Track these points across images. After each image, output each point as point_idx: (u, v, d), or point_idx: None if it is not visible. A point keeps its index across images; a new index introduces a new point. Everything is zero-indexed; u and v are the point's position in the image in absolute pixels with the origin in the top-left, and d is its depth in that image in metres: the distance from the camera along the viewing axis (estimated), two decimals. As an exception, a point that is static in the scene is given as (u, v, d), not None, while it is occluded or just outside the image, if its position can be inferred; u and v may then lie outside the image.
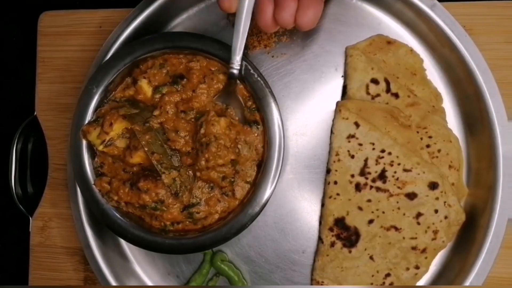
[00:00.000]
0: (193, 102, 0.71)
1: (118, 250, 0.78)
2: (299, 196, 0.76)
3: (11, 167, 0.81)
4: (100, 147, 0.69)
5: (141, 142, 0.68)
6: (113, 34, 0.76)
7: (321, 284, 0.73)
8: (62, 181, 0.81)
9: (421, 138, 0.73)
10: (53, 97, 0.82)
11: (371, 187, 0.71)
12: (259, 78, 0.70)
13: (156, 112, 0.69)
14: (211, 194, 0.69)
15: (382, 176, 0.71)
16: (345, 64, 0.76)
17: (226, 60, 0.68)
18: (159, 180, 0.67)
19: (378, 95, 0.74)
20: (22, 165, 0.83)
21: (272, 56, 0.77)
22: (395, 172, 0.71)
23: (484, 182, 0.72)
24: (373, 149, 0.71)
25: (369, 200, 0.71)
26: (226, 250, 0.76)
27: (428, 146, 0.73)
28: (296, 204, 0.76)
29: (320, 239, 0.74)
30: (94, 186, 0.70)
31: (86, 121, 0.70)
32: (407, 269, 0.71)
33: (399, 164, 0.71)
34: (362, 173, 0.72)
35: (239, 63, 0.67)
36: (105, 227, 0.71)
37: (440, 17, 0.72)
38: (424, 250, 0.71)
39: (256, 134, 0.70)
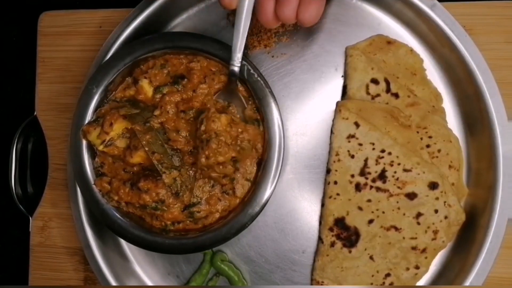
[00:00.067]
0: (193, 102, 0.71)
1: (118, 250, 0.78)
2: (299, 196, 0.76)
3: (11, 167, 0.81)
4: (100, 147, 0.69)
5: (141, 142, 0.68)
6: (113, 34, 0.76)
7: (321, 284, 0.73)
8: (62, 181, 0.81)
9: (421, 138, 0.73)
10: (53, 97, 0.83)
11: (371, 187, 0.71)
12: (259, 78, 0.70)
13: (157, 112, 0.69)
14: (212, 193, 0.69)
15: (382, 176, 0.71)
16: (345, 64, 0.76)
17: (227, 60, 0.68)
18: (160, 180, 0.67)
19: (378, 95, 0.74)
20: (22, 165, 0.83)
21: (272, 56, 0.77)
22: (395, 172, 0.71)
23: (484, 182, 0.72)
24: (373, 149, 0.71)
25: (369, 200, 0.71)
26: (226, 250, 0.76)
27: (428, 146, 0.73)
28: (296, 204, 0.76)
29: (320, 239, 0.74)
30: (94, 186, 0.70)
31: (86, 121, 0.70)
32: (407, 269, 0.71)
33: (399, 164, 0.71)
34: (362, 173, 0.72)
35: (240, 60, 0.67)
36: (105, 227, 0.71)
37: (440, 17, 0.72)
38: (424, 250, 0.71)
39: (256, 132, 0.70)
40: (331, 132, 0.74)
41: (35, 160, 0.84)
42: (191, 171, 0.69)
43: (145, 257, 0.78)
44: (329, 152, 0.74)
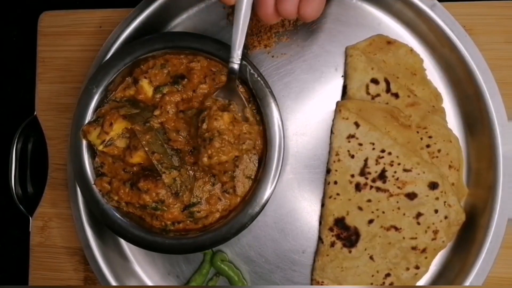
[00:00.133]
0: (193, 102, 0.71)
1: (118, 250, 0.78)
2: (299, 196, 0.76)
3: (11, 167, 0.81)
4: (100, 147, 0.69)
5: (141, 142, 0.68)
6: (113, 34, 0.76)
7: (321, 284, 0.73)
8: (62, 181, 0.81)
9: (421, 138, 0.73)
10: (53, 97, 0.83)
11: (371, 187, 0.71)
12: (259, 78, 0.70)
13: (157, 112, 0.69)
14: (212, 193, 0.69)
15: (382, 176, 0.71)
16: (345, 64, 0.76)
17: (227, 60, 0.68)
18: (159, 180, 0.67)
19: (378, 95, 0.74)
20: (22, 165, 0.83)
21: (272, 56, 0.77)
22: (395, 172, 0.71)
23: (484, 182, 0.72)
24: (373, 149, 0.71)
25: (369, 200, 0.71)
26: (226, 250, 0.76)
27: (428, 146, 0.73)
28: (296, 204, 0.76)
29: (320, 239, 0.74)
30: (94, 186, 0.70)
31: (86, 121, 0.70)
32: (407, 269, 0.71)
33: (399, 164, 0.71)
34: (362, 173, 0.72)
35: (239, 57, 0.66)
36: (105, 227, 0.71)
37: (440, 17, 0.72)
38: (424, 250, 0.71)
39: (256, 132, 0.70)
40: (331, 132, 0.74)
41: (35, 160, 0.84)
42: (191, 171, 0.69)
43: (145, 257, 0.78)
44: (329, 152, 0.74)
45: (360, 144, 0.72)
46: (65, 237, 0.81)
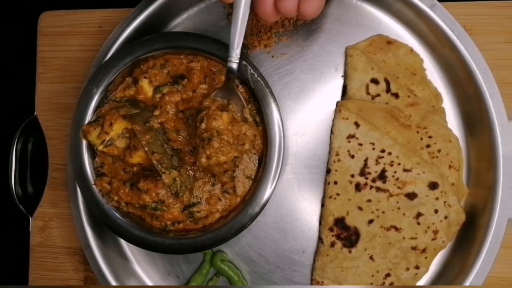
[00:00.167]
0: (193, 102, 0.71)
1: (118, 250, 0.78)
2: (299, 196, 0.76)
3: (11, 167, 0.81)
4: (100, 147, 0.69)
5: (141, 142, 0.68)
6: (113, 34, 0.76)
7: (321, 284, 0.73)
8: (62, 181, 0.81)
9: (421, 138, 0.73)
10: (53, 97, 0.83)
11: (371, 187, 0.71)
12: (259, 78, 0.70)
13: (157, 112, 0.69)
14: (212, 193, 0.69)
15: (382, 176, 0.71)
16: (345, 64, 0.76)
17: (226, 60, 0.68)
18: (159, 180, 0.67)
19: (378, 95, 0.74)
20: (22, 165, 0.83)
21: (272, 56, 0.77)
22: (395, 172, 0.71)
23: (484, 182, 0.72)
24: (373, 149, 0.71)
25: (369, 200, 0.71)
26: (226, 250, 0.76)
27: (428, 146, 0.73)
28: (296, 204, 0.76)
29: (320, 239, 0.74)
30: (94, 186, 0.70)
31: (86, 121, 0.70)
32: (407, 269, 0.71)
33: (399, 164, 0.71)
34: (362, 173, 0.72)
35: (238, 56, 0.65)
36: (105, 227, 0.71)
37: (440, 17, 0.72)
38: (424, 250, 0.71)
39: (256, 133, 0.70)
40: (331, 132, 0.74)
41: (35, 160, 0.84)
42: (190, 171, 0.69)
43: (145, 257, 0.78)
44: (329, 152, 0.74)
45: (360, 144, 0.72)
46: (65, 237, 0.81)
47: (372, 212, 0.71)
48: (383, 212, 0.71)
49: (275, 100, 0.70)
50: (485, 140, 0.72)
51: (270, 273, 0.76)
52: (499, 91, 0.71)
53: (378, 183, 0.71)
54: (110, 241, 0.77)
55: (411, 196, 0.70)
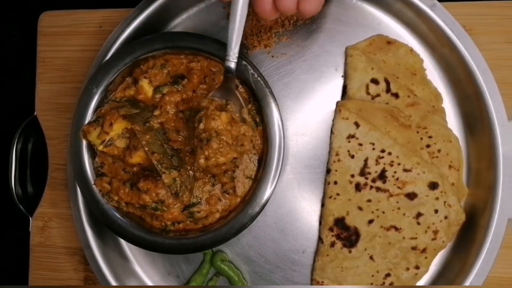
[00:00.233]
0: (193, 102, 0.71)
1: (118, 250, 0.78)
2: (299, 196, 0.76)
3: (11, 167, 0.81)
4: (100, 147, 0.69)
5: (141, 142, 0.68)
6: (113, 34, 0.76)
7: (321, 284, 0.73)
8: (62, 181, 0.81)
9: (421, 138, 0.73)
10: (53, 97, 0.82)
11: (371, 187, 0.71)
12: (259, 78, 0.70)
13: (157, 112, 0.69)
14: (212, 193, 0.69)
15: (382, 176, 0.71)
16: (345, 64, 0.76)
17: (224, 59, 0.67)
18: (159, 180, 0.67)
19: (378, 95, 0.74)
20: (22, 165, 0.83)
21: (272, 56, 0.77)
22: (395, 172, 0.71)
23: (484, 182, 0.72)
24: (373, 149, 0.71)
25: (369, 200, 0.71)
26: (226, 250, 0.76)
27: (428, 146, 0.73)
28: (296, 204, 0.76)
29: (320, 239, 0.74)
30: (94, 186, 0.70)
31: (86, 121, 0.70)
32: (407, 269, 0.71)
33: (399, 164, 0.71)
34: (362, 173, 0.72)
35: (236, 56, 0.64)
36: (105, 227, 0.71)
37: (440, 17, 0.72)
38: (424, 250, 0.71)
39: (255, 133, 0.70)
40: (331, 132, 0.74)
41: (35, 160, 0.84)
42: (190, 171, 0.69)
43: (145, 257, 0.78)
44: (329, 152, 0.74)
45: (360, 144, 0.72)
46: (65, 237, 0.81)
47: (372, 212, 0.71)
48: (383, 212, 0.71)
49: (275, 100, 0.70)
50: (485, 140, 0.72)
51: (270, 273, 0.76)
52: (499, 91, 0.71)
53: (378, 183, 0.71)
54: (110, 241, 0.77)
55: (411, 196, 0.70)
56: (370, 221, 0.71)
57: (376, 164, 0.71)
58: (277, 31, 0.77)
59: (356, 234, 0.71)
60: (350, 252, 0.71)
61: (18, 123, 0.82)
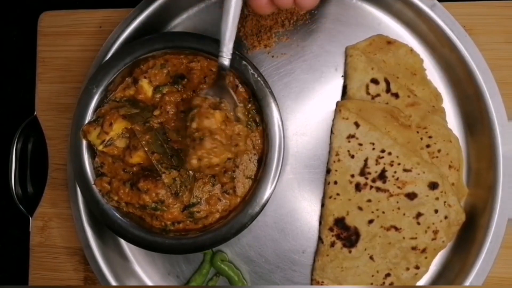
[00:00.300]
0: (193, 102, 0.71)
1: (118, 250, 0.78)
2: (299, 196, 0.76)
3: (11, 167, 0.81)
4: (100, 147, 0.69)
5: (141, 142, 0.68)
6: (113, 34, 0.76)
7: (321, 284, 0.73)
8: (62, 181, 0.81)
9: (421, 138, 0.73)
10: (53, 97, 0.82)
11: (371, 187, 0.71)
12: (259, 78, 0.70)
13: (157, 112, 0.69)
14: (212, 193, 0.69)
15: (382, 176, 0.71)
16: (345, 64, 0.76)
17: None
18: (159, 180, 0.67)
19: (378, 95, 0.74)
20: (22, 165, 0.83)
21: (272, 56, 0.77)
22: (395, 172, 0.71)
23: (484, 182, 0.72)
24: (373, 149, 0.71)
25: (369, 200, 0.71)
26: (226, 250, 0.76)
27: (428, 146, 0.73)
28: (296, 204, 0.76)
29: (320, 239, 0.74)
30: (94, 186, 0.70)
31: (86, 121, 0.70)
32: (407, 269, 0.71)
33: (399, 164, 0.71)
34: (362, 173, 0.72)
35: (230, 52, 0.61)
36: (105, 227, 0.71)
37: (440, 17, 0.72)
38: (424, 250, 0.71)
39: (251, 134, 0.70)
40: (331, 132, 0.74)
41: (35, 160, 0.84)
42: (190, 171, 0.69)
43: (145, 257, 0.78)
44: (329, 152, 0.74)
45: (360, 144, 0.72)
46: (65, 237, 0.81)
47: (372, 212, 0.71)
48: (383, 212, 0.71)
49: (275, 100, 0.70)
50: (485, 140, 0.72)
51: (270, 273, 0.76)
52: (499, 91, 0.71)
53: (378, 183, 0.71)
54: (110, 241, 0.77)
55: (411, 196, 0.70)
56: (370, 221, 0.71)
57: (376, 164, 0.71)
58: (277, 31, 0.77)
59: (356, 234, 0.71)
60: (350, 252, 0.71)
61: (18, 123, 0.82)
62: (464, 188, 0.74)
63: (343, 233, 0.72)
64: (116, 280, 0.75)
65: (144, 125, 0.69)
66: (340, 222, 0.72)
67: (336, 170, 0.73)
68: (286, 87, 0.77)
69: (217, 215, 0.70)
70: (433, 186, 0.70)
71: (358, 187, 0.72)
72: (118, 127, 0.69)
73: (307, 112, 0.77)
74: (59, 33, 0.83)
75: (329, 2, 0.77)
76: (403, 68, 0.75)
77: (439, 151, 0.73)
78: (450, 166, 0.73)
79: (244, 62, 0.69)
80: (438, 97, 0.75)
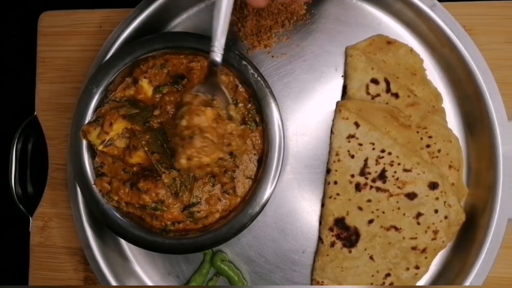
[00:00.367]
0: (193, 102, 0.70)
1: (118, 250, 0.78)
2: (299, 196, 0.76)
3: (11, 167, 0.81)
4: (100, 147, 0.69)
5: (141, 142, 0.68)
6: (113, 34, 0.76)
7: (321, 284, 0.73)
8: (62, 181, 0.81)
9: (421, 138, 0.73)
10: (53, 97, 0.82)
11: (371, 187, 0.71)
12: (259, 78, 0.70)
13: (156, 112, 0.69)
14: (212, 193, 0.69)
15: (382, 176, 0.71)
16: (345, 64, 0.76)
17: (227, 60, 0.67)
18: (159, 180, 0.67)
19: (378, 95, 0.74)
20: (22, 165, 0.83)
21: (272, 56, 0.77)
22: (395, 172, 0.71)
23: (484, 182, 0.72)
24: (373, 149, 0.71)
25: (369, 200, 0.71)
26: (226, 250, 0.76)
27: (428, 146, 0.73)
28: (296, 204, 0.76)
29: (320, 239, 0.74)
30: (94, 186, 0.70)
31: (86, 121, 0.70)
32: (407, 269, 0.71)
33: (399, 164, 0.71)
34: (362, 173, 0.72)
35: (223, 47, 0.59)
36: (105, 227, 0.71)
37: (440, 17, 0.72)
38: (424, 250, 0.71)
39: (246, 133, 0.70)
40: (331, 132, 0.74)
41: (35, 160, 0.84)
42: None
43: (145, 257, 0.78)
44: (329, 152, 0.74)
45: (360, 144, 0.72)
46: (65, 237, 0.81)
47: (372, 212, 0.71)
48: (383, 212, 0.71)
49: (275, 100, 0.70)
50: (485, 140, 0.72)
51: (270, 273, 0.76)
52: (499, 91, 0.71)
53: (378, 183, 0.71)
54: (110, 241, 0.77)
55: (411, 196, 0.70)
56: (370, 221, 0.71)
57: (376, 164, 0.71)
58: (277, 31, 0.77)
59: (356, 234, 0.71)
60: (350, 252, 0.71)
61: (18, 123, 0.82)
62: (464, 188, 0.74)
63: (343, 233, 0.72)
64: (116, 280, 0.75)
65: (144, 125, 0.69)
66: (340, 222, 0.72)
67: (336, 170, 0.73)
68: (286, 87, 0.77)
69: (217, 215, 0.70)
70: (433, 186, 0.70)
71: (358, 187, 0.72)
72: (118, 127, 0.69)
73: (307, 112, 0.77)
74: (59, 33, 0.83)
75: (329, 2, 0.77)
76: (403, 68, 0.75)
77: (439, 151, 0.73)
78: (450, 166, 0.73)
79: (244, 62, 0.69)
80: (438, 97, 0.75)
